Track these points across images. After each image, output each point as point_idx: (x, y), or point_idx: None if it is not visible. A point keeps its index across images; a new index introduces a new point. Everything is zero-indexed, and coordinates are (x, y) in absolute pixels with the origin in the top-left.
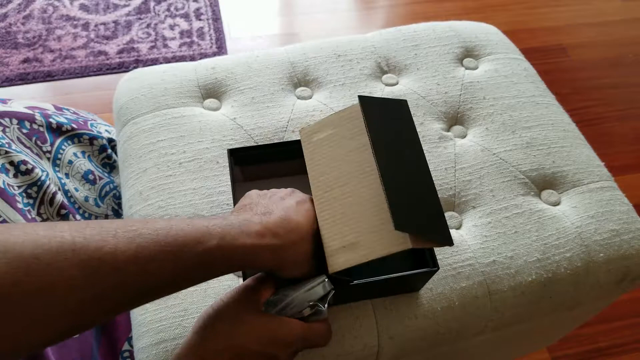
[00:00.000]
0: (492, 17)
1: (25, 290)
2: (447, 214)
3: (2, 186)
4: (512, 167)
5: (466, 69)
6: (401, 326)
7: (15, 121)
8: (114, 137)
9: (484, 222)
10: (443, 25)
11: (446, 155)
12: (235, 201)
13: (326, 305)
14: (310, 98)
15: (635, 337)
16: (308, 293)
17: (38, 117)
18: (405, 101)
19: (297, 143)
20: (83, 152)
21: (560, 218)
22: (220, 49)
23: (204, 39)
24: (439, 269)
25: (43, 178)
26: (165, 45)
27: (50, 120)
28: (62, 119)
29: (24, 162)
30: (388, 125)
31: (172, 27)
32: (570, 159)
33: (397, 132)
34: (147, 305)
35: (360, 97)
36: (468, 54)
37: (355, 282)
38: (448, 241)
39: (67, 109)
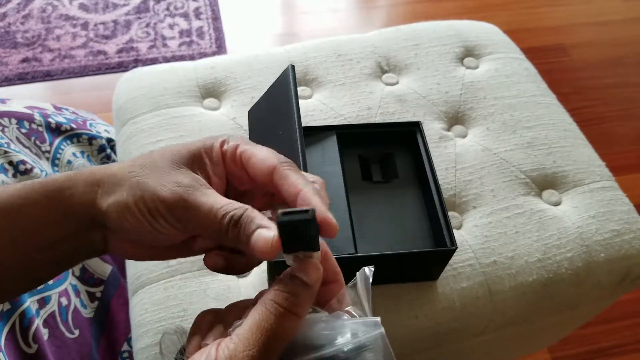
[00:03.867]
0: (492, 16)
1: None
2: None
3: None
4: (513, 167)
5: (467, 68)
6: (401, 326)
7: (14, 121)
8: (113, 137)
9: (484, 222)
10: (443, 25)
11: (447, 155)
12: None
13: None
14: (311, 97)
15: (637, 337)
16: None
17: (37, 116)
18: (288, 69)
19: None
20: (82, 152)
21: (561, 218)
22: (219, 48)
23: (204, 38)
24: (456, 248)
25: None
26: (165, 45)
27: (50, 120)
28: (61, 119)
29: (23, 162)
30: (269, 122)
31: (171, 27)
32: (571, 159)
33: (276, 121)
34: (147, 305)
35: (249, 111)
36: (468, 54)
37: (364, 254)
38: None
39: (66, 109)
